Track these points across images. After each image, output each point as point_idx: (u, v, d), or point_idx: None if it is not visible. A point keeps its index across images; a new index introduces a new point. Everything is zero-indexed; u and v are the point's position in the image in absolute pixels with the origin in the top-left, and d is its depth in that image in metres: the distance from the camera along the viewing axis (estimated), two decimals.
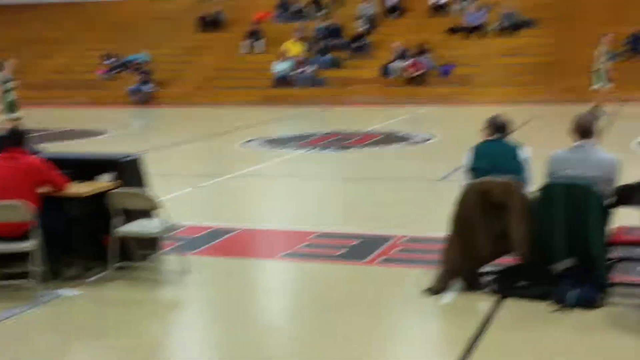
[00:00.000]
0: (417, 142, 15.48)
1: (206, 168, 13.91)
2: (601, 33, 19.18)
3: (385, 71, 25.84)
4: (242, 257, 7.76)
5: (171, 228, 6.98)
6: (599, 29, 22.34)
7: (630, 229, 6.23)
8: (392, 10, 29.27)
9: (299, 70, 26.44)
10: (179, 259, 7.10)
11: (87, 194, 6.90)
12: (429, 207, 9.78)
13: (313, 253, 7.70)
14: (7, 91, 16.91)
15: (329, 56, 27.21)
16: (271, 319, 6.23)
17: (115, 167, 7.26)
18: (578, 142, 6.21)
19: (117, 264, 6.89)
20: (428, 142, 15.55)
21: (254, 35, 29.28)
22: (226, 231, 8.54)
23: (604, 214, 5.96)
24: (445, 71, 25.31)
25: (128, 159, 7.43)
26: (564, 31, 25.86)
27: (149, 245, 7.25)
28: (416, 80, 24.98)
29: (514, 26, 26.33)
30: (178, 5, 33.55)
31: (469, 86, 24.54)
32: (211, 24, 31.28)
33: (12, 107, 16.94)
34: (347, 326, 5.80)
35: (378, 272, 7.07)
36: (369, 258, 7.38)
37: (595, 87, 18.06)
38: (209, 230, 8.59)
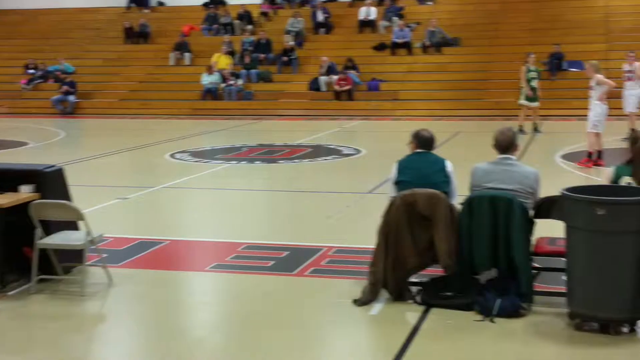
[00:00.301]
0: (345, 155, 15.59)
1: (133, 180, 13.72)
2: (524, 52, 19.66)
3: (313, 85, 26.01)
4: (170, 270, 7.66)
5: (96, 240, 6.86)
6: (520, 49, 23.04)
7: (552, 240, 6.40)
8: (321, 26, 29.48)
9: (228, 83, 26.38)
10: (104, 271, 6.97)
11: (6, 205, 6.71)
12: (357, 218, 9.85)
13: (242, 265, 7.65)
14: None
15: (257, 70, 27.22)
16: (199, 332, 6.17)
17: (37, 177, 7.07)
18: (501, 156, 6.35)
19: (40, 277, 6.73)
20: (356, 155, 15.68)
21: (182, 47, 29.11)
22: (153, 243, 8.43)
23: (527, 225, 6.11)
24: (374, 86, 25.60)
25: (50, 169, 7.26)
26: (487, 50, 26.53)
27: (73, 257, 7.08)
28: (344, 95, 25.19)
29: (438, 44, 26.80)
30: (104, 16, 33.13)
31: (396, 101, 24.88)
32: (137, 35, 30.96)
33: None
34: (277, 338, 5.78)
35: (308, 283, 7.08)
36: (298, 269, 7.38)
37: (523, 102, 18.37)
38: (135, 242, 8.47)
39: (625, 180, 6.13)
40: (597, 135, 13.27)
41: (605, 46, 25.52)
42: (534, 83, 18.18)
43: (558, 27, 26.77)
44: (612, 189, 5.95)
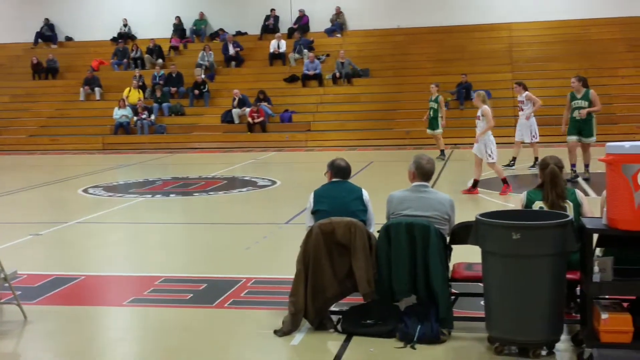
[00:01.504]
0: (260, 187, 15.62)
1: (45, 216, 13.41)
2: (430, 83, 20.28)
3: (226, 118, 26.02)
4: (86, 305, 7.51)
5: (9, 277, 6.69)
6: (427, 79, 23.63)
7: (469, 265, 6.54)
8: (232, 59, 29.57)
9: (140, 117, 26.14)
10: (18, 308, 6.80)
11: None
12: (275, 249, 9.87)
13: (160, 298, 7.56)
14: None
15: (169, 103, 27.08)
16: None
17: None
18: (416, 183, 6.50)
19: None
20: (272, 186, 15.72)
21: (92, 82, 28.73)
22: (68, 279, 8.25)
23: (444, 251, 6.23)
24: (287, 118, 25.79)
25: None
26: (395, 81, 27.08)
27: None
28: (257, 127, 25.27)
29: (348, 75, 27.21)
30: (10, 52, 32.43)
31: (309, 132, 25.10)
32: (46, 71, 30.42)
33: None
34: None
35: (228, 315, 7.04)
36: (218, 301, 7.34)
37: (432, 132, 19.03)
38: (49, 278, 8.27)
39: (538, 205, 6.34)
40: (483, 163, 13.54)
41: (510, 75, 26.39)
42: (431, 112, 19.01)
43: (464, 58, 27.56)
44: (525, 213, 6.14)
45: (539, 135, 17.10)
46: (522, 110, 16.97)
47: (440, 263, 6.10)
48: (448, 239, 6.34)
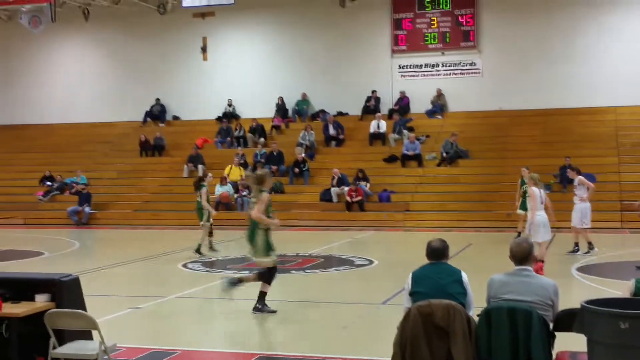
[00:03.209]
0: (357, 266, 15.54)
1: (145, 289, 13.67)
2: (534, 165, 20.14)
3: (325, 196, 26.20)
4: None
5: (109, 350, 6.80)
6: (529, 161, 23.27)
7: (573, 354, 6.27)
8: (332, 138, 29.94)
9: (240, 194, 26.62)
10: None
11: (22, 315, 6.71)
12: (372, 329, 9.74)
13: None
14: None
15: None
16: None
17: (52, 287, 7.09)
18: (517, 267, 6.33)
19: None
20: (368, 265, 15.63)
21: (195, 159, 29.51)
22: (165, 354, 8.33)
23: (547, 338, 6.01)
24: (386, 197, 25.76)
25: (65, 278, 7.27)
26: (496, 163, 26.78)
27: None
28: (355, 206, 25.33)
29: (452, 157, 27.06)
30: (120, 129, 33.75)
31: (407, 212, 24.97)
32: (152, 148, 31.49)
33: None
34: None
35: None
36: None
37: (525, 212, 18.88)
38: (147, 352, 8.38)
39: None
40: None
41: (617, 159, 25.73)
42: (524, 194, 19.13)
43: (568, 140, 27.06)
44: (634, 302, 5.88)
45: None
46: (576, 195, 16.71)
47: (543, 350, 5.88)
48: (551, 325, 6.12)
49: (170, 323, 10.58)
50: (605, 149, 26.57)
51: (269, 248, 10.82)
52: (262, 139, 30.53)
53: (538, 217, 13.84)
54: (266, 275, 10.78)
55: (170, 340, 9.26)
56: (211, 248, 17.75)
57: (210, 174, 20.08)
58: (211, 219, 17.58)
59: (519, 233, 19.13)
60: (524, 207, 18.91)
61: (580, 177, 16.69)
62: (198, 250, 17.26)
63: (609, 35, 28.64)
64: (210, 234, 17.74)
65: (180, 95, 33.56)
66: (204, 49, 33.30)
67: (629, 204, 17.35)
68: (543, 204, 14.12)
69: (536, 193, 13.95)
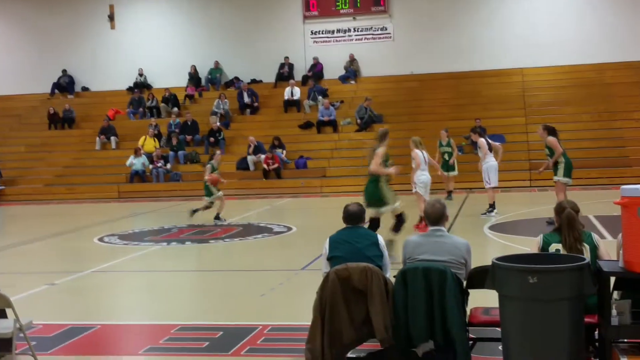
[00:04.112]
0: (276, 233, 15.61)
1: (61, 265, 13.44)
2: (441, 128, 20.68)
3: (241, 165, 26.14)
4: (101, 355, 7.49)
5: (25, 327, 6.68)
6: (442, 124, 23.70)
7: (486, 310, 6.48)
8: (247, 106, 29.80)
9: (155, 165, 26.31)
10: (34, 359, 6.79)
11: None
12: (291, 296, 9.84)
13: (176, 347, 7.52)
14: None
15: (184, 151, 27.26)
16: None
17: None
18: (431, 228, 6.48)
19: None
20: (287, 232, 15.71)
21: (107, 131, 28.99)
22: (83, 329, 8.23)
23: (461, 295, 6.18)
24: (302, 164, 25.87)
25: None
26: (410, 126, 27.10)
27: (1, 346, 6.88)
28: (272, 173, 25.37)
29: (364, 122, 27.30)
30: (27, 102, 32.83)
31: (324, 178, 25.15)
32: (62, 121, 30.76)
33: None
34: None
35: None
36: (234, 349, 7.29)
37: (450, 174, 19.38)
38: (65, 328, 8.25)
39: (554, 248, 6.29)
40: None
41: (524, 120, 26.44)
42: (446, 156, 19.99)
43: (478, 102, 27.64)
44: (542, 257, 6.09)
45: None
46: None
47: (457, 308, 6.05)
48: (465, 283, 6.30)
49: (88, 298, 10.43)
50: (513, 110, 27.28)
51: (388, 197, 11.40)
52: (175, 109, 30.18)
53: (422, 176, 14.93)
54: (396, 226, 11.45)
55: (89, 315, 9.14)
56: (194, 212, 17.54)
57: (218, 152, 19.95)
58: (214, 195, 17.48)
59: (449, 192, 19.65)
60: (450, 168, 19.74)
61: (481, 139, 17.08)
62: (217, 217, 17.42)
63: None
64: (206, 207, 17.65)
65: (89, 66, 32.85)
66: (111, 17, 32.61)
67: (537, 164, 17.85)
68: (427, 165, 15.17)
69: (419, 155, 15.05)
